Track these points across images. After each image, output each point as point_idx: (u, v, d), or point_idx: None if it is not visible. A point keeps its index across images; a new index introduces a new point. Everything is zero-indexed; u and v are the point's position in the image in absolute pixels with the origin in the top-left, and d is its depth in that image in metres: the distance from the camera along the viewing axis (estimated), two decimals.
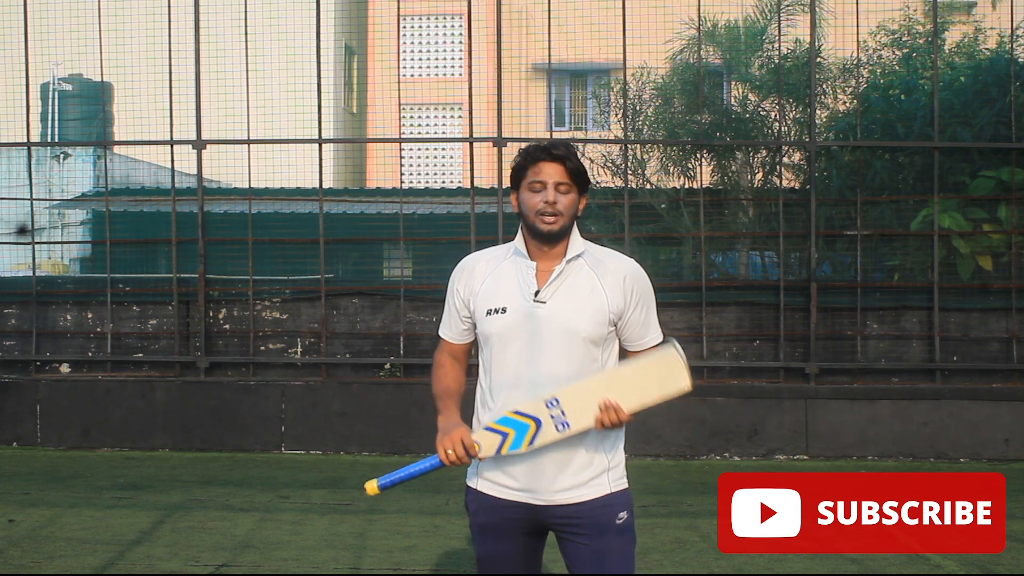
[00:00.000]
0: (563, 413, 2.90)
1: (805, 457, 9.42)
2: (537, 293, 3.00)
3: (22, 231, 11.07)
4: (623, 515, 3.02)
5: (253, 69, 10.08)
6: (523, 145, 3.11)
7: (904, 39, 11.47)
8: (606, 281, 3.02)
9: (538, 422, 2.91)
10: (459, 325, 3.15)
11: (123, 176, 12.91)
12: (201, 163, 10.02)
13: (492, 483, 3.05)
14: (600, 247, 3.14)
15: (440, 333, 3.23)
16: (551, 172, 2.99)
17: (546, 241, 3.02)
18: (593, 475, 3.01)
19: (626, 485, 3.07)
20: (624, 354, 3.12)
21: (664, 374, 2.92)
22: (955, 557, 5.74)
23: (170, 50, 10.02)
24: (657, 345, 3.04)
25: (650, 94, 11.28)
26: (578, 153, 3.08)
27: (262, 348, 10.12)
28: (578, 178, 3.01)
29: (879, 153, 10.32)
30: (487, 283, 3.06)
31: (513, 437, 2.93)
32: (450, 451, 2.93)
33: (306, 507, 7.25)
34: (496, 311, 3.01)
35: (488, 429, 2.96)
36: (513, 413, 2.94)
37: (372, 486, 3.03)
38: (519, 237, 3.08)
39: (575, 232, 3.06)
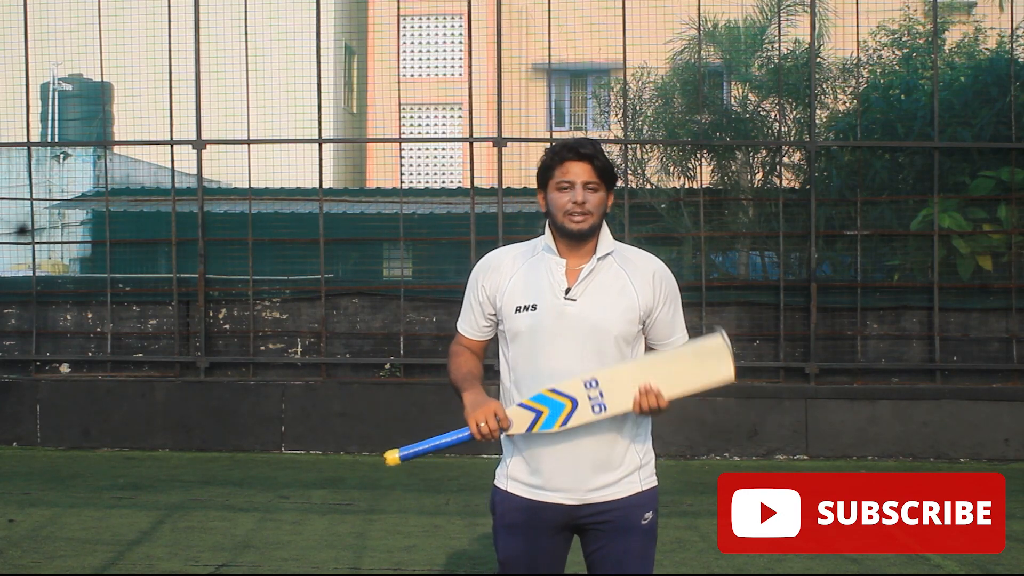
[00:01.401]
0: (601, 395, 2.87)
1: (805, 457, 9.42)
2: (568, 291, 2.98)
3: (22, 231, 11.07)
4: (648, 516, 3.03)
5: (253, 69, 10.08)
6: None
7: (904, 39, 11.47)
8: (636, 279, 3.01)
9: (574, 402, 2.88)
10: (481, 321, 3.11)
11: (123, 176, 12.91)
12: (201, 163, 10.02)
13: (524, 484, 3.03)
14: (628, 246, 3.12)
15: (459, 328, 3.18)
16: (579, 171, 2.97)
17: (576, 239, 3.00)
18: (625, 473, 3.01)
19: (655, 483, 3.08)
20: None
21: (708, 361, 2.89)
22: (955, 557, 5.74)
23: (170, 50, 10.02)
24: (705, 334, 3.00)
25: (650, 94, 11.28)
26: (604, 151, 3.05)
27: (262, 348, 10.13)
28: (606, 176, 2.99)
29: (879, 153, 10.33)
30: (515, 280, 3.04)
31: (547, 416, 2.89)
32: (482, 424, 2.86)
33: (306, 507, 7.25)
34: (526, 308, 2.99)
35: (521, 406, 2.91)
36: (549, 391, 2.89)
37: (393, 456, 2.93)
38: (547, 234, 3.06)
39: (605, 229, 3.05)
